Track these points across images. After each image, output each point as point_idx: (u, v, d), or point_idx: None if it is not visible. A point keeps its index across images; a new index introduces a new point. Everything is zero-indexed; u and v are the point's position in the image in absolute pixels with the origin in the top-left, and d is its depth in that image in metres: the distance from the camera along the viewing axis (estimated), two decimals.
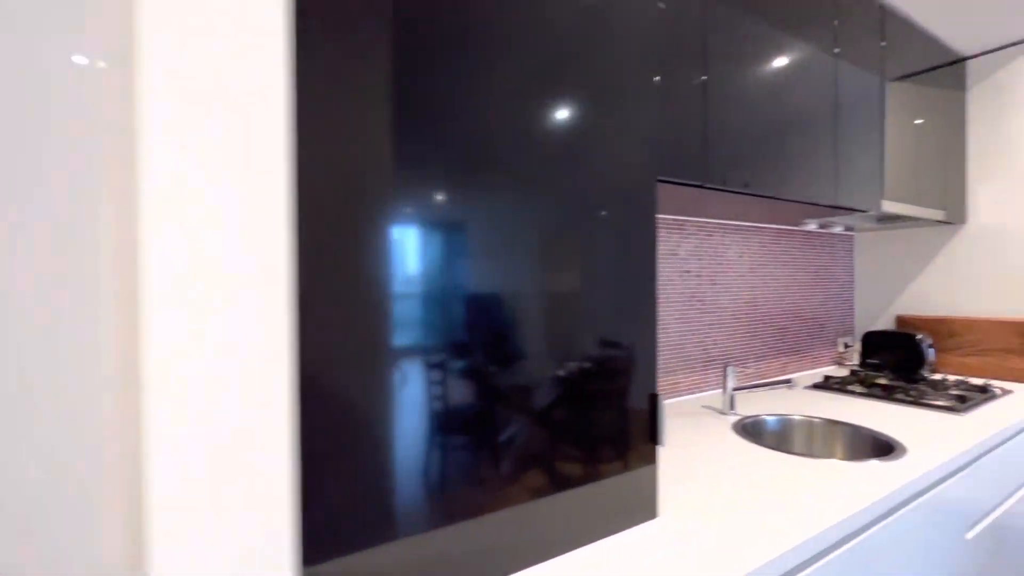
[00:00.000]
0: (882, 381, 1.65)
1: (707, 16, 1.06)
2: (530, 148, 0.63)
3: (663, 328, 1.49)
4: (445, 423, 0.57)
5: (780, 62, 1.21)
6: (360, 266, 0.50)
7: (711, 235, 1.61)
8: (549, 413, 0.66)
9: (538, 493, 0.65)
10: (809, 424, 1.29)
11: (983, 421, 1.25)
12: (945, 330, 1.90)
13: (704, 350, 1.59)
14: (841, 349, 2.09)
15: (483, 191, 0.59)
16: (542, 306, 0.65)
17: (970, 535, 1.11)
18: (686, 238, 1.54)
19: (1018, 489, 1.29)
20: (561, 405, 0.68)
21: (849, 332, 2.15)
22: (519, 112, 0.62)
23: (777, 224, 1.78)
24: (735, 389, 1.33)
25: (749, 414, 1.32)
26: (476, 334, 0.59)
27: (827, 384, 1.63)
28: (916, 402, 1.40)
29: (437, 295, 0.56)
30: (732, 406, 1.34)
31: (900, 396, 1.46)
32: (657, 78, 0.80)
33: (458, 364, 0.58)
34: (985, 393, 1.50)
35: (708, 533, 0.72)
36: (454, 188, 0.57)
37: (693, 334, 1.56)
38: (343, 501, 0.50)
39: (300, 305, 0.46)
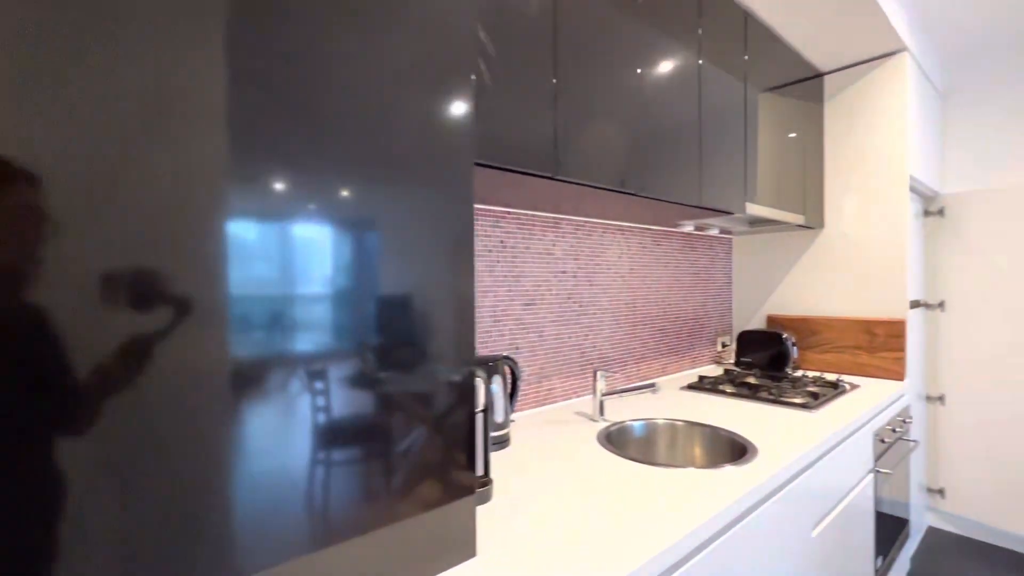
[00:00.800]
0: (751, 380, 1.70)
1: (561, 15, 0.98)
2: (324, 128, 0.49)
3: (538, 331, 1.41)
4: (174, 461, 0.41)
5: (643, 66, 1.16)
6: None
7: (590, 234, 1.57)
8: (337, 441, 0.53)
9: (321, 542, 0.51)
10: (672, 427, 1.26)
11: (830, 418, 1.29)
12: (807, 328, 2.01)
13: (581, 353, 1.54)
14: (719, 348, 2.16)
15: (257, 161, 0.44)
16: (316, 301, 0.51)
17: (815, 532, 1.12)
18: (562, 237, 1.48)
19: (855, 485, 1.36)
20: (354, 429, 0.54)
21: (727, 331, 2.23)
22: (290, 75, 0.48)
23: (656, 225, 1.78)
24: (604, 395, 1.28)
25: (617, 420, 1.27)
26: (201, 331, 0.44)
27: (700, 384, 1.64)
28: (776, 400, 1.43)
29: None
30: (602, 412, 1.29)
31: (763, 395, 1.50)
32: (473, 76, 0.69)
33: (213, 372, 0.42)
34: (836, 389, 1.58)
35: (529, 571, 0.62)
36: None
37: (570, 337, 1.50)
38: None
39: None
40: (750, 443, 1.09)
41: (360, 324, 0.55)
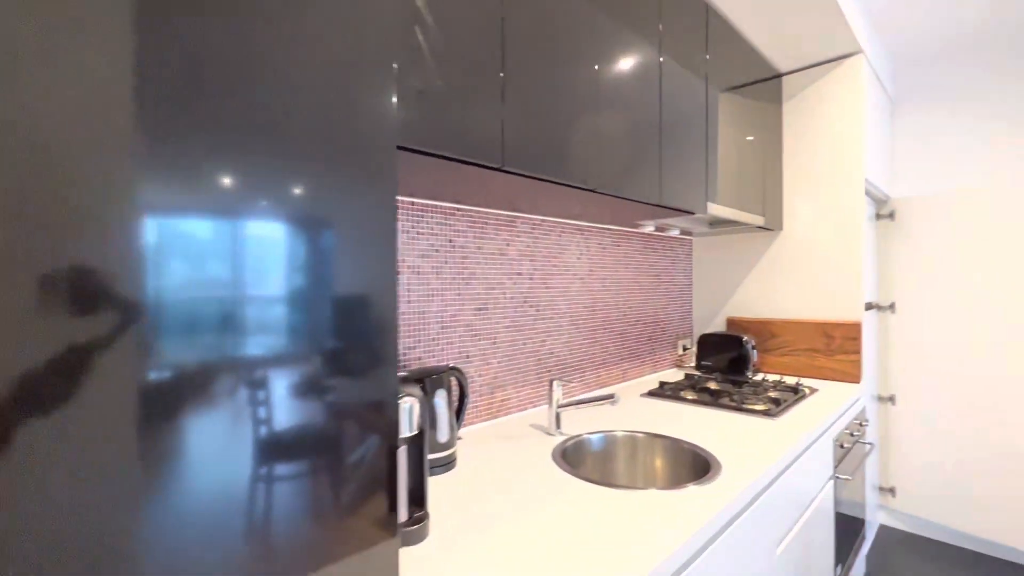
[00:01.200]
0: (712, 385, 1.65)
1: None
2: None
3: (490, 338, 1.30)
4: None
5: (602, 60, 1.08)
6: None
7: (547, 234, 1.48)
8: (218, 479, 0.41)
9: None
10: (632, 440, 1.19)
11: (792, 426, 1.24)
12: (767, 331, 1.99)
13: (538, 360, 1.45)
14: (680, 352, 2.12)
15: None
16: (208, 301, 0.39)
17: (780, 550, 1.07)
18: (517, 236, 1.38)
19: (817, 495, 1.32)
20: (253, 462, 0.42)
21: (688, 334, 2.19)
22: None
23: (615, 225, 1.71)
24: (561, 407, 1.19)
25: (574, 434, 1.19)
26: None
27: (661, 391, 1.58)
28: (738, 407, 1.38)
29: None
30: (558, 425, 1.20)
31: (725, 401, 1.45)
32: (395, 64, 0.58)
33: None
34: (797, 394, 1.55)
35: None
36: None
37: (526, 343, 1.41)
38: None
39: None
40: (713, 457, 1.02)
41: (240, 334, 0.43)
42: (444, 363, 1.20)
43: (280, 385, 0.45)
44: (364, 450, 0.52)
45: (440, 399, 0.97)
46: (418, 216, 1.14)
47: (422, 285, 1.16)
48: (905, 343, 2.27)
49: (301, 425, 0.47)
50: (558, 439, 1.15)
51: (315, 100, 0.48)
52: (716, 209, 1.47)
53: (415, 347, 1.13)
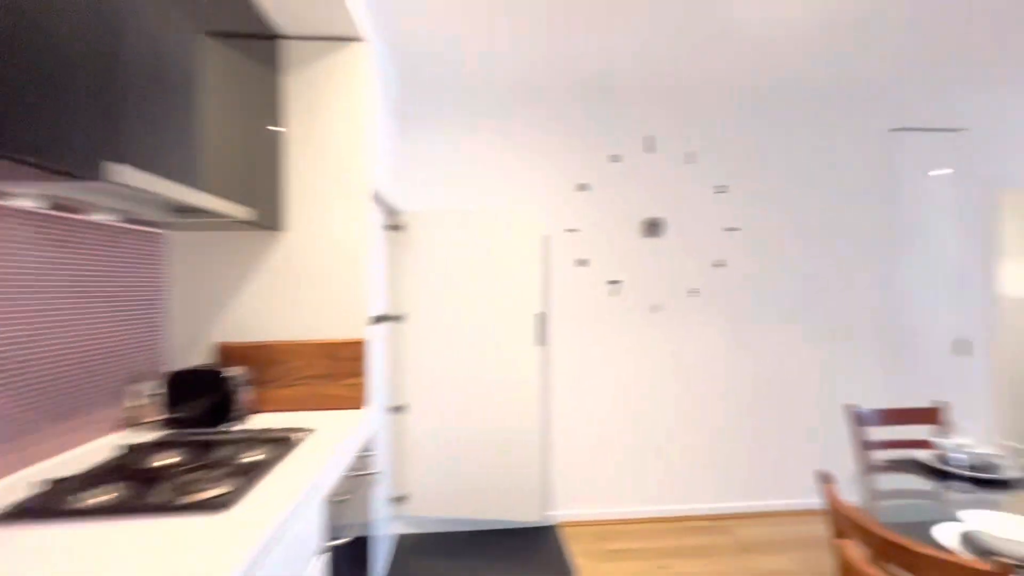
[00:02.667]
0: (157, 463, 1.06)
1: None
2: None
3: None
4: None
5: None
6: None
7: None
8: None
9: None
10: None
11: (255, 513, 0.83)
12: (269, 357, 1.56)
13: None
14: (139, 402, 1.40)
15: None
16: None
17: None
18: None
19: None
20: None
21: (156, 374, 1.50)
22: None
23: None
24: None
25: None
26: None
27: (45, 499, 0.86)
28: (172, 506, 0.85)
29: None
30: None
31: (158, 497, 0.89)
32: None
33: None
34: (285, 446, 1.17)
35: None
36: None
37: None
38: None
39: None
40: None
41: None
42: None
43: None
44: None
45: None
46: None
47: None
48: (416, 352, 2.36)
49: None
50: None
51: None
52: (131, 177, 0.87)
53: None
